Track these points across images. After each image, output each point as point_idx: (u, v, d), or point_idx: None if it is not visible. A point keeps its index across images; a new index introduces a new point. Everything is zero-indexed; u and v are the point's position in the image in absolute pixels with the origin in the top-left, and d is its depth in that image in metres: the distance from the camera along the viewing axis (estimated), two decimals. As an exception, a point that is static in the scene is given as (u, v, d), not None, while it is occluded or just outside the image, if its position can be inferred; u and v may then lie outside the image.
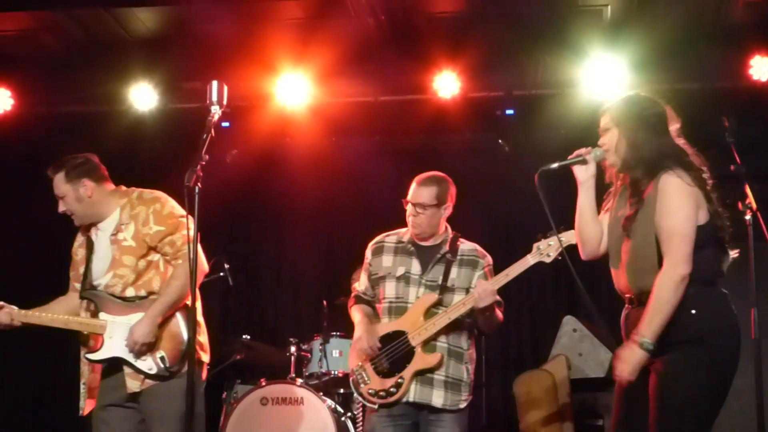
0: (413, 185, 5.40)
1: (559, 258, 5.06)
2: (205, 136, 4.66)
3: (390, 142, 8.81)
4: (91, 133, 8.48)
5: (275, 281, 9.03)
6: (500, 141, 8.63)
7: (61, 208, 5.25)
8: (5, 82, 8.52)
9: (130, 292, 5.09)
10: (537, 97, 8.22)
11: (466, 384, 5.30)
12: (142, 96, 8.44)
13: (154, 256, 5.10)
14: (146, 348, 5.00)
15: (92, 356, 5.09)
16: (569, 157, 4.56)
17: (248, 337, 7.70)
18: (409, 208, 5.39)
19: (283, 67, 8.19)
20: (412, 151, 8.61)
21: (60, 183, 5.22)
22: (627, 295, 4.41)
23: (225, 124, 8.03)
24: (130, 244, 5.07)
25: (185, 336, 5.06)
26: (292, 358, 7.51)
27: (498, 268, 5.32)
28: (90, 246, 5.23)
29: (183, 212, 5.09)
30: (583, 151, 4.57)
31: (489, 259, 5.42)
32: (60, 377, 8.81)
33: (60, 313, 5.23)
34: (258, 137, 8.42)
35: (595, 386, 7.62)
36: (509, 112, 8.43)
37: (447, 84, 8.18)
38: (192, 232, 4.49)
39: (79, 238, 5.34)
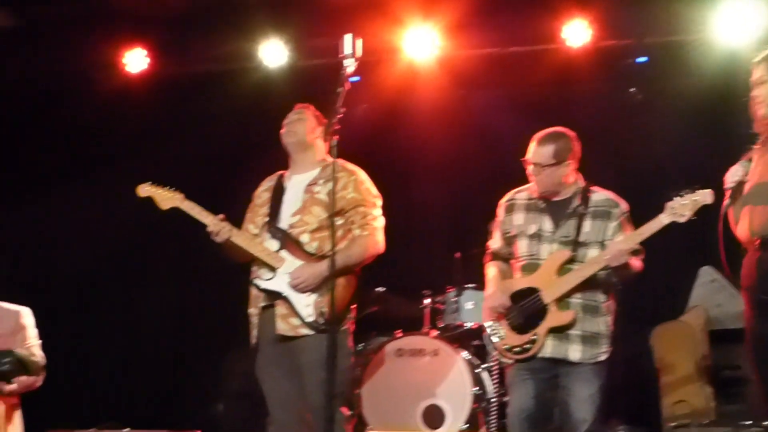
0: (532, 143, 5.39)
1: (694, 218, 4.95)
2: (339, 89, 4.79)
3: (518, 94, 8.78)
4: (222, 90, 8.63)
5: (407, 234, 9.05)
6: (632, 90, 8.48)
7: (287, 120, 5.69)
8: (142, 42, 8.69)
9: (305, 238, 5.42)
10: (670, 44, 8.07)
11: (604, 336, 5.33)
12: (272, 53, 8.53)
13: (339, 220, 5.26)
14: (307, 288, 5.24)
15: (261, 283, 5.44)
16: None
17: (383, 289, 7.77)
18: (529, 166, 5.36)
19: (412, 19, 8.18)
20: (541, 102, 8.57)
21: (306, 111, 5.71)
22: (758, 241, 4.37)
23: (355, 78, 8.06)
24: (323, 198, 5.43)
25: (346, 298, 5.15)
26: (427, 311, 7.56)
27: (632, 222, 5.27)
28: (280, 190, 5.59)
29: (377, 193, 5.53)
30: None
31: (624, 206, 5.40)
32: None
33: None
34: (387, 91, 8.45)
35: (733, 337, 7.50)
36: (641, 59, 8.28)
37: (577, 32, 8.09)
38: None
39: (266, 184, 5.77)
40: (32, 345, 6.11)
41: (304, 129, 5.66)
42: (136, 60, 8.73)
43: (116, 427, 7.22)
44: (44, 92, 8.90)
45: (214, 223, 5.44)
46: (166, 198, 5.60)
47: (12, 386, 5.85)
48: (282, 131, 5.69)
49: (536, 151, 5.38)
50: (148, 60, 8.73)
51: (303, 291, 5.33)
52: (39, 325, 6.34)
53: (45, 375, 6.03)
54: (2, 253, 8.32)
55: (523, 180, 5.59)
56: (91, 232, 9.20)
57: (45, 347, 6.22)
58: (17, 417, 6.04)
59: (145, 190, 5.66)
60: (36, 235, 9.36)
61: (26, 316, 6.21)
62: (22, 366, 5.40)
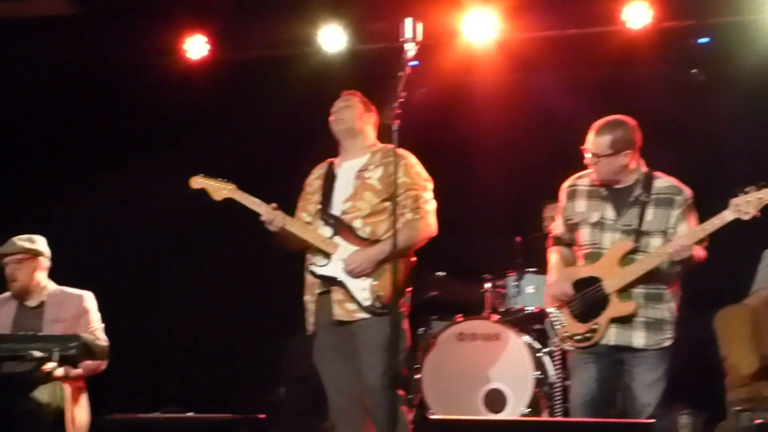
0: (590, 133, 5.36)
1: (758, 215, 4.90)
2: (400, 73, 4.80)
3: (578, 77, 8.73)
4: (281, 76, 8.66)
5: (467, 218, 9.08)
6: (694, 71, 8.39)
7: (334, 108, 5.72)
8: (202, 29, 8.75)
9: (357, 224, 5.48)
10: (733, 23, 7.98)
11: (668, 323, 5.33)
12: (331, 37, 8.56)
13: (391, 205, 5.29)
14: (362, 272, 5.31)
15: (317, 269, 5.52)
16: None
17: (442, 273, 7.77)
18: (587, 155, 5.33)
19: (470, 3, 8.18)
20: (601, 85, 8.51)
21: (354, 98, 5.78)
22: None
23: (414, 62, 8.06)
24: (374, 184, 5.45)
25: (402, 281, 5.28)
26: (487, 295, 7.56)
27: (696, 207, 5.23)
28: (331, 178, 5.65)
29: (428, 176, 5.56)
30: None
31: (687, 193, 5.36)
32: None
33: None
34: (446, 75, 8.43)
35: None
36: (703, 40, 8.19)
37: (637, 14, 8.02)
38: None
39: (317, 172, 5.83)
40: (96, 329, 6.19)
41: (352, 115, 5.70)
42: (196, 46, 8.79)
43: (179, 412, 7.28)
44: (107, 78, 8.99)
45: (267, 212, 5.48)
46: (219, 189, 5.66)
47: (78, 370, 5.93)
48: (330, 119, 5.73)
49: (594, 141, 5.35)
50: (208, 46, 8.79)
51: (358, 276, 5.36)
52: (102, 309, 6.41)
53: (109, 359, 6.09)
54: (65, 238, 8.38)
55: (581, 164, 5.56)
56: (152, 216, 9.31)
57: (108, 332, 6.29)
58: (83, 400, 6.13)
59: (197, 181, 5.72)
60: (99, 218, 9.48)
61: (89, 300, 6.29)
62: (88, 350, 5.46)
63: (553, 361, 7.17)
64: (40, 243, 6.31)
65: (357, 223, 5.50)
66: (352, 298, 5.39)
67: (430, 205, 5.61)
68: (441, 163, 8.72)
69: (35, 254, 6.23)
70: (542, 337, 7.37)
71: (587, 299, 5.30)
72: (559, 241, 5.59)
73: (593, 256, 5.35)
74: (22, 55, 8.56)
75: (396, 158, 5.10)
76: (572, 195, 5.51)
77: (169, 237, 9.38)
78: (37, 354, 5.27)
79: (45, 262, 6.29)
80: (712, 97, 8.18)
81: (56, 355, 5.28)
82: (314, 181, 5.81)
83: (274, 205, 5.52)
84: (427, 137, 8.78)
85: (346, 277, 5.42)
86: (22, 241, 6.24)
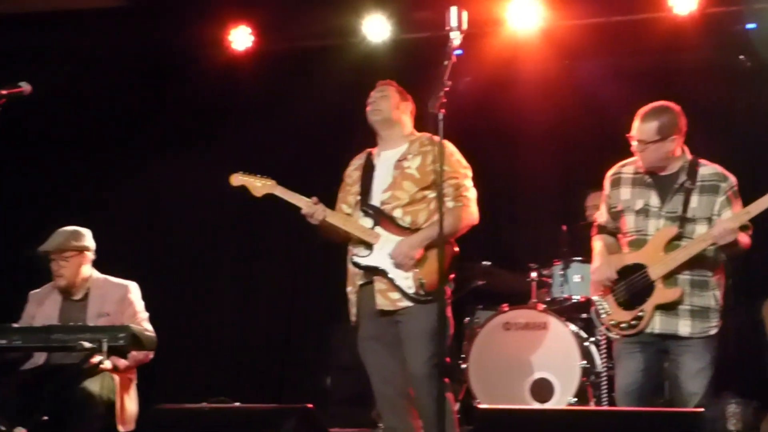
0: (636, 120, 5.33)
1: None
2: (446, 62, 4.83)
3: (624, 64, 8.69)
4: (325, 67, 8.69)
5: (512, 207, 9.08)
6: (741, 57, 8.31)
7: (371, 100, 5.73)
8: (246, 20, 8.80)
9: (398, 213, 5.51)
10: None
11: (714, 310, 5.29)
12: (375, 27, 8.58)
13: (431, 194, 5.34)
14: (410, 262, 5.33)
15: (360, 260, 5.54)
16: None
17: (488, 263, 7.77)
18: (633, 142, 5.30)
19: (515, -10, 8.17)
20: (646, 72, 8.46)
21: (389, 87, 5.79)
22: None
23: (458, 51, 8.06)
24: (413, 173, 5.46)
25: (445, 268, 5.23)
26: (533, 284, 7.55)
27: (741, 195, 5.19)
28: (370, 168, 5.68)
29: (467, 164, 5.57)
30: None
31: (732, 180, 5.32)
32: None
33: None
34: (490, 64, 8.41)
35: None
36: (751, 26, 8.12)
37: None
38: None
39: (355, 163, 5.86)
40: (141, 319, 6.23)
41: (388, 105, 5.71)
42: (241, 38, 8.86)
43: (226, 402, 7.35)
44: (153, 71, 9.08)
45: (307, 206, 5.51)
46: (259, 186, 5.70)
47: (126, 361, 5.98)
48: (367, 109, 5.74)
49: (640, 128, 5.32)
50: (252, 38, 8.85)
51: (407, 267, 5.37)
52: (149, 299, 6.46)
53: (156, 349, 6.13)
54: (112, 227, 8.47)
55: (629, 152, 5.54)
56: (198, 206, 9.39)
57: (155, 322, 6.34)
58: (132, 391, 6.19)
59: (237, 179, 5.76)
60: (146, 208, 9.59)
61: (133, 290, 6.33)
62: (137, 340, 5.51)
63: (599, 350, 7.16)
64: (86, 238, 6.33)
65: (397, 213, 5.53)
66: (396, 287, 5.41)
67: (471, 193, 5.62)
68: (486, 152, 8.79)
69: (81, 250, 6.26)
70: (589, 326, 7.36)
71: (632, 286, 5.28)
72: (603, 229, 5.58)
73: (638, 243, 5.33)
74: (70, 48, 8.64)
75: (431, 147, 5.10)
76: (616, 183, 5.50)
77: (215, 227, 9.46)
78: (87, 345, 5.31)
79: (90, 255, 6.32)
80: (758, 84, 8.11)
81: (105, 346, 5.32)
82: (353, 172, 5.84)
83: (314, 198, 5.55)
84: (471, 126, 8.80)
85: (390, 267, 5.44)
86: (67, 236, 6.25)
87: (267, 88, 9.05)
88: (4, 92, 4.94)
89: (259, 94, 9.08)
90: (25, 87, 5.02)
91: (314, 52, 8.86)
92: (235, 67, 8.94)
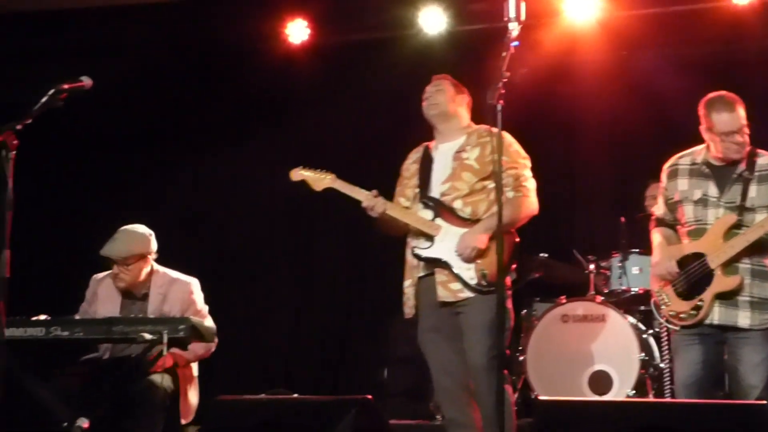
0: (719, 112, 5.23)
1: None
2: (504, 53, 4.80)
3: (682, 55, 8.61)
4: (381, 59, 8.70)
5: (570, 199, 9.04)
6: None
7: (426, 95, 5.75)
8: (303, 13, 8.85)
9: (458, 204, 5.53)
10: None
11: (774, 302, 5.20)
12: (432, 19, 8.58)
13: (490, 184, 5.36)
14: (475, 254, 5.38)
15: (422, 252, 5.56)
16: None
17: (545, 255, 7.76)
18: (721, 136, 5.23)
19: (572, -19, 8.14)
20: (705, 62, 8.38)
21: (444, 81, 5.79)
22: None
23: (515, 43, 8.04)
24: (472, 164, 5.50)
25: (506, 258, 5.30)
26: (591, 276, 7.54)
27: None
28: (428, 161, 5.71)
29: (526, 155, 5.58)
30: None
31: None
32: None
33: None
34: (547, 55, 8.38)
35: None
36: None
37: (745, -13, 7.89)
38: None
39: (413, 156, 5.89)
40: (203, 316, 6.24)
41: (444, 99, 5.72)
42: (297, 31, 8.91)
43: (285, 393, 7.40)
44: (210, 64, 9.16)
45: (367, 199, 5.54)
46: (319, 180, 5.74)
47: (188, 352, 6.04)
48: (423, 104, 5.76)
49: (729, 118, 5.23)
50: (308, 31, 8.90)
51: (472, 259, 5.39)
52: (208, 292, 6.50)
53: (216, 342, 6.19)
54: (170, 220, 8.57)
55: (686, 142, 5.51)
56: (256, 199, 9.49)
57: (214, 315, 6.39)
58: (194, 383, 6.26)
59: (297, 174, 5.80)
60: (204, 201, 9.70)
61: (195, 288, 6.35)
62: (197, 332, 5.56)
63: (658, 342, 7.13)
64: (149, 242, 6.30)
65: (457, 204, 5.54)
66: (457, 278, 5.43)
67: (531, 183, 5.63)
68: (543, 143, 8.78)
69: (143, 256, 6.25)
70: (647, 318, 7.33)
71: (691, 276, 5.27)
72: (661, 221, 5.57)
73: (697, 233, 5.31)
74: (127, 42, 8.74)
75: (490, 138, 5.10)
76: (673, 174, 5.48)
77: (272, 220, 9.53)
78: (148, 336, 5.37)
79: (152, 257, 6.33)
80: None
81: (165, 337, 5.37)
82: (411, 165, 5.86)
83: (374, 192, 5.58)
84: (529, 118, 8.78)
85: (452, 258, 5.46)
86: (129, 242, 6.21)
87: (323, 81, 9.09)
88: (65, 87, 4.98)
89: (316, 87, 9.12)
90: (87, 81, 5.06)
91: (370, 44, 8.89)
92: (291, 61, 8.99)
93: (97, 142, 9.30)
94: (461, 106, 5.77)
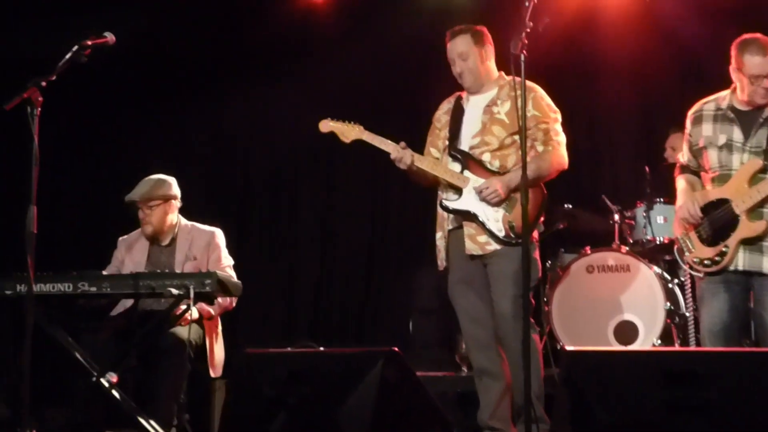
0: (753, 54, 5.19)
1: None
2: (527, 2, 4.79)
3: (705, 0, 8.48)
4: (404, 8, 8.73)
5: (594, 148, 9.02)
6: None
7: (457, 69, 5.70)
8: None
9: (486, 157, 5.55)
10: None
11: (800, 246, 5.19)
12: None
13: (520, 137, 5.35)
14: (495, 199, 5.40)
15: (449, 204, 5.61)
16: None
17: (570, 205, 7.77)
18: (751, 79, 5.20)
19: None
20: (729, 8, 8.27)
21: (468, 43, 5.67)
22: None
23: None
24: (503, 118, 5.52)
25: (534, 211, 5.38)
26: (616, 226, 7.55)
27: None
28: (459, 112, 5.71)
29: (557, 109, 5.61)
30: None
31: None
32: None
33: None
34: (570, 3, 8.34)
35: None
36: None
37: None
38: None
39: (444, 107, 5.90)
40: (226, 266, 6.33)
41: (475, 65, 5.69)
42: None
43: (310, 346, 7.46)
44: (232, 13, 9.13)
45: (396, 151, 5.57)
46: (347, 131, 5.77)
47: (213, 307, 6.11)
48: (455, 73, 5.74)
49: (764, 61, 5.20)
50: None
51: (492, 202, 5.43)
52: (231, 243, 6.57)
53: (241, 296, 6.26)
54: (192, 170, 8.61)
55: (714, 89, 5.50)
56: (278, 149, 9.54)
57: (239, 268, 6.45)
58: (219, 336, 6.32)
59: (326, 125, 5.83)
60: (225, 150, 9.76)
61: (219, 237, 6.44)
62: (223, 286, 5.62)
63: (683, 292, 7.15)
64: (172, 186, 6.43)
65: (486, 157, 5.57)
66: (486, 230, 5.48)
67: (561, 137, 5.65)
68: (567, 93, 8.73)
69: (167, 199, 6.37)
70: (673, 268, 7.35)
71: (716, 221, 5.26)
72: (685, 169, 5.56)
73: (722, 179, 5.30)
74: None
75: (525, 91, 5.11)
76: (698, 120, 5.46)
77: (295, 170, 9.56)
78: (174, 291, 5.43)
79: (176, 203, 6.43)
80: None
81: (192, 292, 5.43)
82: (442, 116, 5.87)
83: (402, 144, 5.60)
84: (552, 67, 8.74)
85: (480, 210, 5.50)
86: (153, 185, 6.36)
87: (344, 28, 9.10)
88: (89, 42, 5.04)
89: (337, 36, 9.12)
90: (110, 37, 5.12)
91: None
92: (313, 7, 9.00)
93: (120, 92, 9.32)
94: (489, 60, 5.76)
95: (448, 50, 5.75)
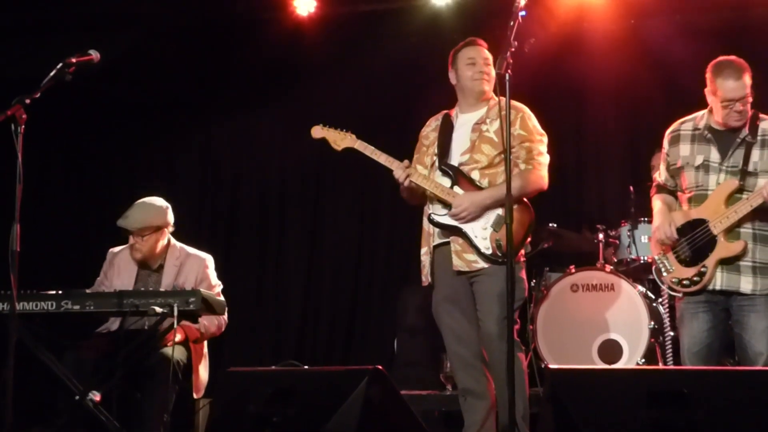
0: (726, 78, 5.24)
1: None
2: (512, 23, 4.83)
3: (689, 22, 8.58)
4: (389, 30, 8.72)
5: (579, 168, 9.03)
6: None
7: (482, 68, 5.71)
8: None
9: (475, 175, 5.56)
10: None
11: (778, 266, 5.21)
12: (439, -11, 8.59)
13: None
14: (467, 216, 5.43)
15: (437, 218, 5.60)
16: None
17: (554, 225, 7.78)
18: (724, 103, 5.22)
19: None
20: (713, 29, 8.33)
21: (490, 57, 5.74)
22: None
23: (523, 12, 8.02)
24: (491, 137, 5.58)
25: (521, 231, 5.43)
26: (600, 245, 7.56)
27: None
28: (448, 129, 5.74)
29: (543, 131, 5.63)
30: None
31: None
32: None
33: None
34: (555, 24, 8.39)
35: None
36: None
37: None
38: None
39: (432, 124, 5.93)
40: (215, 293, 6.26)
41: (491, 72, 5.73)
42: (304, 3, 8.85)
43: (295, 366, 7.44)
44: (218, 35, 9.13)
45: (389, 162, 5.58)
46: (340, 139, 5.77)
47: (199, 329, 6.08)
48: (475, 74, 5.73)
49: (736, 85, 5.22)
50: (315, 3, 8.85)
51: (465, 220, 5.44)
52: (218, 264, 6.54)
53: (227, 322, 6.24)
54: (179, 191, 8.61)
55: (698, 110, 5.52)
56: (266, 171, 9.50)
57: (225, 288, 6.43)
58: (205, 358, 6.30)
59: (318, 131, 5.83)
60: (212, 172, 9.75)
61: (209, 264, 6.39)
62: (207, 305, 5.60)
63: (665, 311, 7.16)
64: (165, 214, 6.35)
65: (475, 175, 5.59)
66: (473, 247, 5.48)
67: (544, 158, 5.67)
68: (552, 113, 8.77)
69: (159, 228, 6.30)
70: (657, 287, 7.36)
71: (694, 242, 5.29)
72: (662, 188, 5.60)
73: (699, 198, 5.34)
74: (137, 13, 8.72)
75: (510, 109, 5.13)
76: (675, 140, 5.50)
77: (281, 191, 9.56)
78: (158, 309, 5.42)
79: (168, 230, 6.39)
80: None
81: (176, 310, 5.42)
82: (430, 133, 5.89)
83: (406, 162, 5.62)
84: (537, 87, 8.78)
85: (467, 225, 5.51)
86: (146, 214, 6.27)
87: (332, 52, 9.10)
88: (73, 60, 5.03)
89: (325, 60, 9.13)
90: (95, 55, 5.12)
91: (379, 15, 8.87)
92: (300, 31, 8.99)
93: (109, 114, 9.33)
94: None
95: (473, 51, 5.75)
